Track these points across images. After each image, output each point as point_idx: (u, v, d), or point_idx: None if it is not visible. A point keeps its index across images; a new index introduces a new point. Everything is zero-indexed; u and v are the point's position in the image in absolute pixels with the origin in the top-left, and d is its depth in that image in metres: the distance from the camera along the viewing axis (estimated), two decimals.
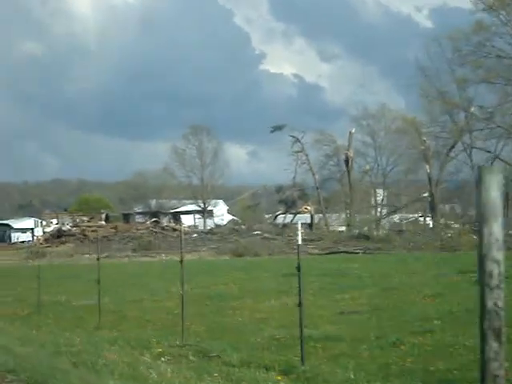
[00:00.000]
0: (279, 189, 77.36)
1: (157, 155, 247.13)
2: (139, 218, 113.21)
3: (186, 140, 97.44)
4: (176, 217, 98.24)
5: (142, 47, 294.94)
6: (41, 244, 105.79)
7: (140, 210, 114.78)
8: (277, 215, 78.89)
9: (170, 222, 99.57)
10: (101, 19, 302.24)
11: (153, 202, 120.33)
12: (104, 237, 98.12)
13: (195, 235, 75.80)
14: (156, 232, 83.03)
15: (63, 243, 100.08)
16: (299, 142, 75.00)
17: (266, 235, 69.60)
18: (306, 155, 74.77)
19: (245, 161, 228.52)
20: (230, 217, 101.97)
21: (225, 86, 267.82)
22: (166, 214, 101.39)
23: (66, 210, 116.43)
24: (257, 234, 70.94)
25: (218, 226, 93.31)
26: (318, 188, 74.22)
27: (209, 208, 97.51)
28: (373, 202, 78.66)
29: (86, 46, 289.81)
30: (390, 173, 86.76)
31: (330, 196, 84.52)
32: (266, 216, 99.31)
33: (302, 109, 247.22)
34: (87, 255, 73.79)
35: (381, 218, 67.57)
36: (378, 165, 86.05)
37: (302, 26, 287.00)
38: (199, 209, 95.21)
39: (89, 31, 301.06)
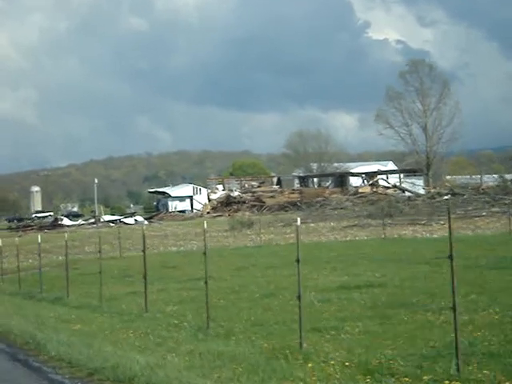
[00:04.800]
0: None
1: (271, 124, 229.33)
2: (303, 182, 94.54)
3: (404, 79, 74.95)
4: (370, 178, 78.54)
5: (246, 19, 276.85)
6: (208, 213, 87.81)
7: (308, 174, 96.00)
8: None
9: (364, 183, 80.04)
10: None
11: (314, 166, 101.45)
12: (285, 203, 79.68)
13: (446, 197, 56.03)
14: (380, 193, 63.66)
15: (236, 211, 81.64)
16: None
17: None
18: None
19: (356, 128, 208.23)
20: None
21: (330, 54, 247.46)
22: (355, 176, 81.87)
23: (231, 175, 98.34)
24: None
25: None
26: None
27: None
28: None
29: (188, 19, 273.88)
30: None
31: None
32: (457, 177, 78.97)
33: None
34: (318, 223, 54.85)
35: None
36: None
37: None
38: (406, 168, 74.79)
39: (190, 5, 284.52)
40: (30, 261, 36.57)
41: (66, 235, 21.38)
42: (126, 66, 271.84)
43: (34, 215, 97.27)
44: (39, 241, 21.87)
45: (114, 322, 14.06)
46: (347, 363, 8.32)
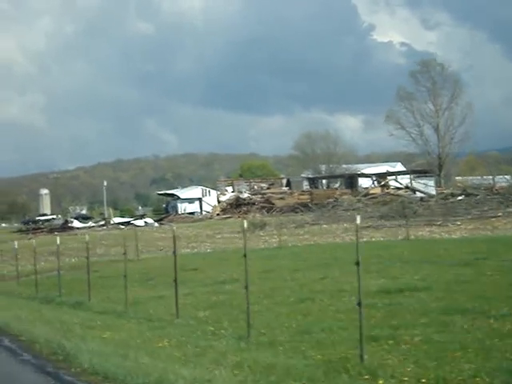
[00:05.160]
0: None
1: (276, 127, 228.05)
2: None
3: (415, 79, 73.48)
4: (381, 179, 77.33)
5: (251, 21, 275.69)
6: (217, 214, 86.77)
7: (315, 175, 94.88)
8: None
9: (373, 185, 78.88)
10: None
11: (322, 168, 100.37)
12: (298, 204, 78.66)
13: (460, 198, 54.76)
14: (391, 194, 62.55)
15: (246, 213, 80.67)
16: None
17: None
18: None
19: (360, 130, 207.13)
20: None
21: (336, 57, 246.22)
22: (365, 177, 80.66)
23: (241, 176, 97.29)
24: None
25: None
26: None
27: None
28: None
29: (194, 22, 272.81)
30: None
31: None
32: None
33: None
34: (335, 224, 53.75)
35: None
36: None
37: None
38: (417, 169, 73.41)
39: (196, 8, 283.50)
40: (43, 263, 35.65)
41: (86, 237, 20.37)
42: (133, 69, 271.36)
43: (37, 218, 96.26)
44: (58, 242, 20.90)
45: (143, 328, 13.07)
46: (423, 380, 7.31)
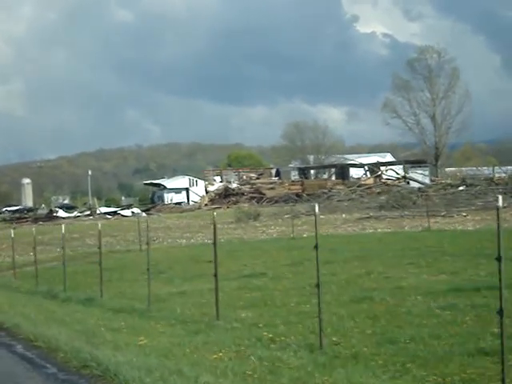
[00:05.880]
0: None
1: (259, 117, 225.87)
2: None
3: (411, 67, 71.00)
4: (373, 169, 75.54)
5: (234, 12, 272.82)
6: (206, 205, 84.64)
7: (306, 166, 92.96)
8: None
9: (365, 175, 77.11)
10: None
11: (311, 158, 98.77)
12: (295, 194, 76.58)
13: (461, 188, 53.03)
14: (387, 185, 60.69)
15: (235, 203, 78.60)
16: None
17: None
18: None
19: (343, 121, 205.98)
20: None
21: (319, 48, 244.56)
22: (356, 167, 78.84)
23: (229, 166, 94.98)
24: None
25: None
26: None
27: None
28: None
29: (177, 11, 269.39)
30: None
31: None
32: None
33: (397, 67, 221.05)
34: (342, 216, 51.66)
35: None
36: None
37: None
38: (410, 159, 71.63)
39: None
40: (31, 254, 33.45)
41: (99, 224, 18.19)
42: (115, 58, 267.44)
43: (4, 209, 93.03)
44: (63, 231, 18.74)
45: (180, 332, 11.00)
46: None
